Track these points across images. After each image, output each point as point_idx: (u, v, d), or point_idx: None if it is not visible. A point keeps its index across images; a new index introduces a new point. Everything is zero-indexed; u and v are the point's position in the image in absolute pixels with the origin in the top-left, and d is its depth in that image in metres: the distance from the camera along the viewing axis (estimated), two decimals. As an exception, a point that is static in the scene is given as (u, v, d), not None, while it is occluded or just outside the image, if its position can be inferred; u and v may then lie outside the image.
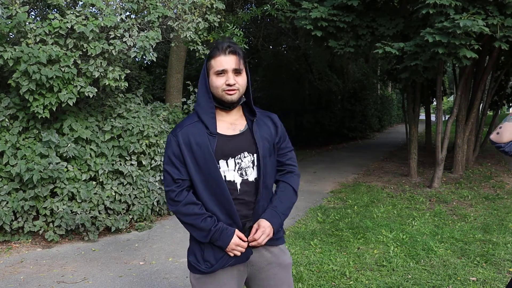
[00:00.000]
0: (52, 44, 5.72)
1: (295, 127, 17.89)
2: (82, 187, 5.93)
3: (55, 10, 7.16)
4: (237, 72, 2.13)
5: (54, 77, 5.55)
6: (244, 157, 2.18)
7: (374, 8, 9.48)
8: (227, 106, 2.18)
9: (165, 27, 7.12)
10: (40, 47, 5.55)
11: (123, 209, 6.38)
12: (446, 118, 10.10)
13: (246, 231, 2.20)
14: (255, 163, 2.21)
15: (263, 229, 2.16)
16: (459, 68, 10.29)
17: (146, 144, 6.68)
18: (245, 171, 2.19)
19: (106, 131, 6.40)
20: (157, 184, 6.78)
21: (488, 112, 13.90)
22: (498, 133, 2.11)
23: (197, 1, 7.01)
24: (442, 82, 11.67)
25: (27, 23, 5.69)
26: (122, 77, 6.15)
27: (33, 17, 7.78)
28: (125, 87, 6.26)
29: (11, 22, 5.54)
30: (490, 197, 8.25)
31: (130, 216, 6.50)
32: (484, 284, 4.39)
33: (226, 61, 2.11)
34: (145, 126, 6.66)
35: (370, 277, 4.55)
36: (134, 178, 6.45)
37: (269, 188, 2.26)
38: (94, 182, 6.15)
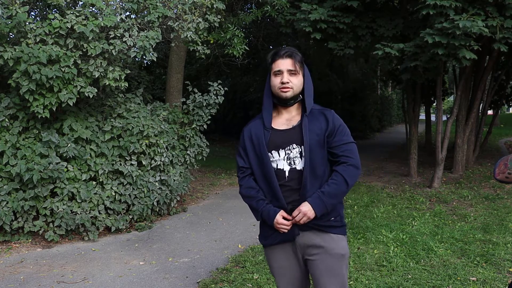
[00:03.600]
0: (52, 44, 5.72)
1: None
2: (82, 187, 5.94)
3: (55, 10, 7.17)
4: (292, 72, 2.47)
5: (54, 77, 5.55)
6: (293, 148, 2.47)
7: (373, 8, 9.48)
8: (284, 103, 2.51)
9: (165, 27, 7.12)
10: (40, 47, 5.55)
11: (123, 209, 6.38)
12: (446, 118, 10.08)
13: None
14: (303, 154, 2.45)
15: (301, 208, 2.40)
16: (459, 68, 10.29)
17: (146, 144, 6.68)
18: (293, 160, 2.47)
19: (106, 131, 6.40)
20: (157, 184, 6.78)
21: (488, 111, 13.90)
22: (507, 177, 2.12)
23: (197, 1, 7.02)
24: (443, 82, 11.68)
25: (27, 23, 5.69)
26: (122, 77, 6.15)
27: (33, 17, 7.79)
28: (125, 87, 6.26)
29: (11, 22, 5.54)
30: (490, 197, 8.25)
31: (130, 216, 6.50)
32: (484, 284, 4.38)
33: (283, 63, 2.46)
34: (145, 126, 6.66)
35: (370, 277, 4.55)
36: (134, 178, 6.44)
37: (319, 178, 2.47)
38: (94, 182, 6.15)
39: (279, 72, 2.46)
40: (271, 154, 2.48)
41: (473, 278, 4.52)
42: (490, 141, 16.34)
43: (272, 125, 2.53)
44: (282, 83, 2.44)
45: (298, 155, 2.46)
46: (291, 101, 2.50)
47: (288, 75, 2.45)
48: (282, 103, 2.51)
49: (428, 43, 7.59)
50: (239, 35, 9.49)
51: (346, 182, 2.45)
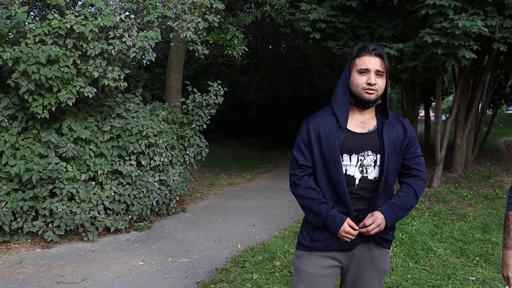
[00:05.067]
0: (51, 44, 5.72)
1: (294, 127, 17.87)
2: (81, 187, 5.93)
3: (55, 10, 7.16)
4: (379, 73, 2.24)
5: (53, 77, 5.55)
6: (368, 155, 2.27)
7: (373, 8, 9.48)
8: (363, 105, 2.28)
9: (164, 27, 7.11)
10: (40, 47, 5.55)
11: (122, 209, 6.38)
12: (446, 118, 10.09)
13: (358, 223, 2.26)
14: (377, 163, 2.28)
15: (375, 219, 2.21)
16: (458, 68, 10.30)
17: (145, 144, 6.68)
18: (366, 168, 2.27)
19: (105, 131, 6.40)
20: (156, 184, 6.78)
21: (487, 111, 13.90)
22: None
23: (196, 1, 7.02)
24: (442, 81, 11.68)
25: (27, 23, 5.69)
26: (121, 77, 6.14)
27: (32, 17, 7.77)
28: (124, 87, 6.26)
29: (10, 22, 5.54)
30: (490, 196, 8.26)
31: (129, 216, 6.50)
32: (484, 283, 4.39)
33: (371, 61, 2.22)
34: (144, 126, 6.66)
35: (369, 277, 4.55)
36: (133, 178, 6.44)
37: (388, 188, 2.32)
38: (93, 182, 6.15)
39: (366, 71, 2.22)
40: (342, 157, 2.25)
41: (473, 278, 4.52)
42: (489, 141, 16.35)
43: (347, 126, 2.29)
44: (369, 84, 2.21)
45: (372, 164, 2.27)
46: (371, 103, 2.28)
47: (375, 76, 2.22)
48: (361, 104, 2.28)
49: (427, 43, 7.59)
50: (239, 36, 9.49)
51: (416, 196, 2.32)
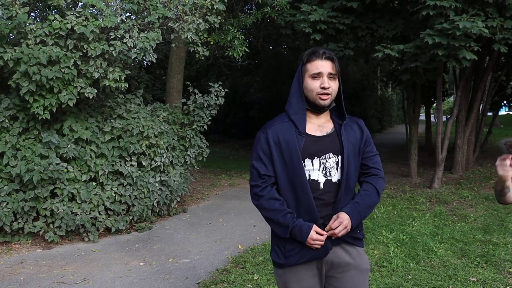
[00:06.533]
0: (52, 45, 5.72)
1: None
2: (82, 188, 5.94)
3: (55, 11, 7.17)
4: (331, 76, 2.23)
5: (54, 78, 5.55)
6: (329, 157, 2.27)
7: (374, 9, 9.48)
8: (318, 110, 2.29)
9: (165, 28, 7.12)
10: (40, 48, 5.55)
11: (123, 210, 6.38)
12: (446, 119, 10.09)
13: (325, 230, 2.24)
14: (339, 164, 2.28)
15: (341, 220, 2.19)
16: (459, 69, 10.30)
17: (146, 145, 6.68)
18: (329, 171, 2.26)
19: (106, 132, 6.40)
20: (157, 184, 6.78)
21: (488, 112, 13.91)
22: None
23: (197, 2, 7.02)
24: (443, 82, 11.68)
25: (27, 24, 5.70)
26: (122, 78, 6.15)
27: (33, 18, 7.78)
28: (125, 87, 6.26)
29: (11, 23, 5.55)
30: (490, 197, 8.25)
31: (130, 217, 6.50)
32: (485, 284, 4.38)
33: (322, 65, 2.22)
34: (145, 126, 6.67)
35: (370, 277, 4.55)
36: (134, 178, 6.44)
37: (350, 190, 2.32)
38: (94, 183, 6.15)
39: (318, 75, 2.21)
40: (304, 162, 2.23)
41: (474, 279, 4.52)
42: (490, 142, 16.35)
43: (306, 131, 2.27)
44: (323, 87, 2.20)
45: (335, 166, 2.27)
46: (326, 108, 2.29)
47: (328, 79, 2.21)
48: (316, 109, 2.28)
49: (428, 44, 7.59)
50: (240, 37, 9.50)
51: (378, 194, 2.34)
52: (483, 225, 6.47)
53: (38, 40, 5.71)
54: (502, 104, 15.14)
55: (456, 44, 7.40)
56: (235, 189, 9.61)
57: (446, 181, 9.88)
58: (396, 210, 7.44)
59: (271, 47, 18.96)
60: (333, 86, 2.24)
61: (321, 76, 2.21)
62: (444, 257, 5.17)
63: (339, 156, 2.27)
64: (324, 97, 2.21)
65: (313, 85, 2.22)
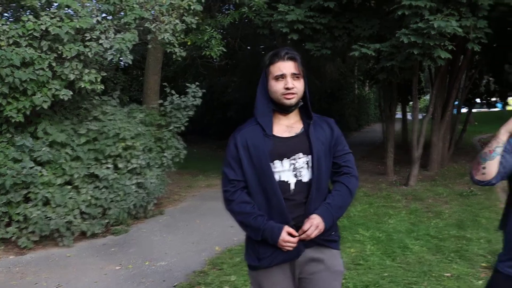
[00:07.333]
0: (26, 46, 5.62)
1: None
2: (56, 192, 5.85)
3: (29, 11, 7.06)
4: (295, 76, 2.24)
5: (28, 80, 5.47)
6: (299, 158, 2.26)
7: (350, 9, 9.54)
8: (285, 110, 2.29)
9: (142, 28, 7.05)
10: (14, 49, 5.46)
11: (99, 213, 6.31)
12: (422, 117, 10.23)
13: (298, 231, 2.22)
14: (310, 164, 2.27)
15: (312, 221, 2.18)
16: (434, 67, 10.43)
17: (122, 147, 6.62)
18: (299, 171, 2.25)
19: (82, 134, 6.32)
20: (133, 187, 6.72)
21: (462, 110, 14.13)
22: (483, 174, 2.13)
23: (174, 3, 6.99)
24: (419, 81, 11.83)
25: (0, 25, 5.59)
26: (98, 79, 6.07)
27: (6, 18, 7.64)
28: (101, 89, 6.19)
29: (-18, 24, 5.45)
30: (464, 194, 8.39)
31: (106, 220, 6.43)
32: (458, 279, 4.45)
33: (285, 66, 2.22)
34: (121, 128, 6.61)
35: (347, 276, 4.58)
36: (110, 181, 6.38)
37: (322, 190, 2.31)
38: (69, 186, 6.07)
39: (282, 76, 2.22)
40: (273, 164, 2.23)
41: (448, 274, 4.59)
42: (465, 139, 16.57)
43: (273, 132, 2.28)
44: (287, 88, 2.20)
45: (305, 166, 2.26)
46: (293, 107, 2.29)
47: (292, 80, 2.22)
48: (283, 109, 2.29)
49: (403, 43, 7.68)
50: (217, 37, 9.49)
51: (351, 193, 2.33)
52: (457, 221, 6.57)
53: (11, 42, 5.60)
54: (484, 101, 15.41)
55: (431, 43, 7.50)
56: (212, 190, 9.58)
57: (422, 179, 10.00)
58: (373, 208, 7.51)
59: (248, 47, 18.93)
60: (298, 85, 2.24)
61: (285, 77, 2.22)
62: (419, 253, 5.24)
63: (309, 156, 2.26)
64: (289, 96, 2.22)
65: (277, 87, 2.23)
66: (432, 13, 7.67)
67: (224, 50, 9.61)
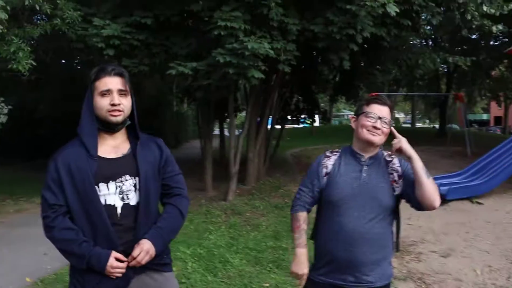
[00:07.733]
0: None
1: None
2: None
3: None
4: (122, 93, 2.15)
5: None
6: (126, 180, 2.16)
7: (167, 27, 9.58)
8: (111, 128, 2.17)
9: None
10: None
11: None
12: (239, 133, 10.66)
13: (127, 258, 2.11)
14: (137, 187, 2.17)
15: (142, 246, 2.10)
16: (249, 86, 10.95)
17: None
18: (126, 194, 2.16)
19: None
20: None
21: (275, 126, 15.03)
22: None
23: (-27, 9, 6.29)
24: (235, 99, 12.32)
25: None
26: None
27: None
28: None
29: None
30: (280, 205, 8.90)
31: None
32: (276, 288, 4.68)
33: (111, 82, 2.13)
34: None
35: (170, 295, 4.51)
36: None
37: (151, 214, 2.22)
38: None
39: (107, 92, 2.11)
40: (98, 187, 2.11)
41: (266, 284, 4.81)
42: (278, 154, 17.66)
43: (98, 153, 2.15)
44: (113, 104, 2.10)
45: (132, 188, 2.17)
46: (120, 125, 2.18)
47: (118, 96, 2.12)
48: (109, 128, 2.17)
49: (219, 63, 7.92)
50: (25, 49, 8.77)
51: (182, 215, 2.28)
52: (274, 232, 6.93)
53: None
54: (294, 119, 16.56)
55: (246, 63, 7.86)
56: (23, 215, 8.75)
57: (240, 193, 10.38)
58: (193, 225, 7.53)
59: (63, 61, 17.89)
60: (125, 102, 2.16)
61: (111, 93, 2.12)
62: (239, 266, 5.39)
63: (137, 178, 2.19)
64: (115, 113, 2.12)
65: (103, 103, 2.12)
66: (247, 34, 8.06)
67: (34, 63, 8.91)
